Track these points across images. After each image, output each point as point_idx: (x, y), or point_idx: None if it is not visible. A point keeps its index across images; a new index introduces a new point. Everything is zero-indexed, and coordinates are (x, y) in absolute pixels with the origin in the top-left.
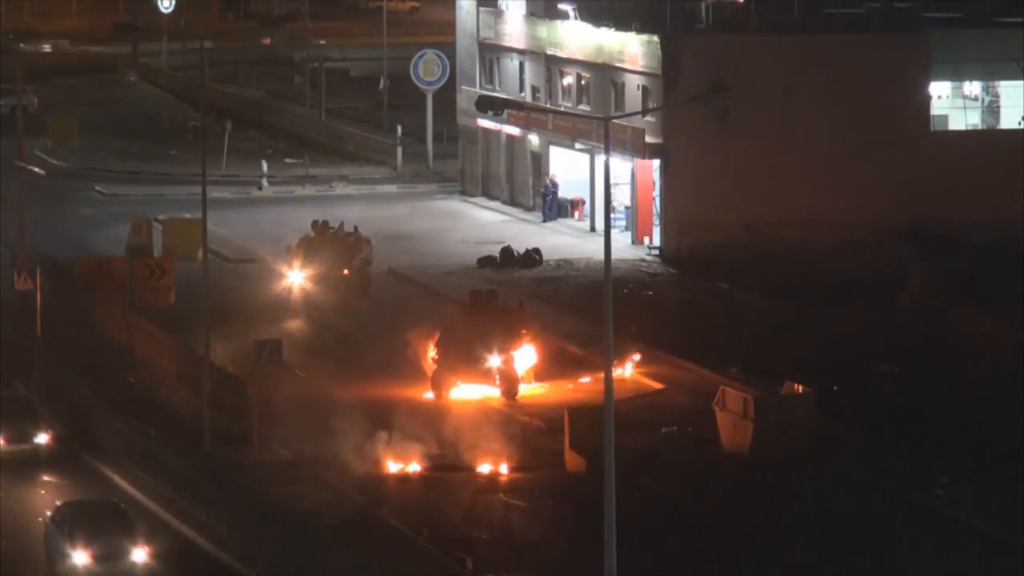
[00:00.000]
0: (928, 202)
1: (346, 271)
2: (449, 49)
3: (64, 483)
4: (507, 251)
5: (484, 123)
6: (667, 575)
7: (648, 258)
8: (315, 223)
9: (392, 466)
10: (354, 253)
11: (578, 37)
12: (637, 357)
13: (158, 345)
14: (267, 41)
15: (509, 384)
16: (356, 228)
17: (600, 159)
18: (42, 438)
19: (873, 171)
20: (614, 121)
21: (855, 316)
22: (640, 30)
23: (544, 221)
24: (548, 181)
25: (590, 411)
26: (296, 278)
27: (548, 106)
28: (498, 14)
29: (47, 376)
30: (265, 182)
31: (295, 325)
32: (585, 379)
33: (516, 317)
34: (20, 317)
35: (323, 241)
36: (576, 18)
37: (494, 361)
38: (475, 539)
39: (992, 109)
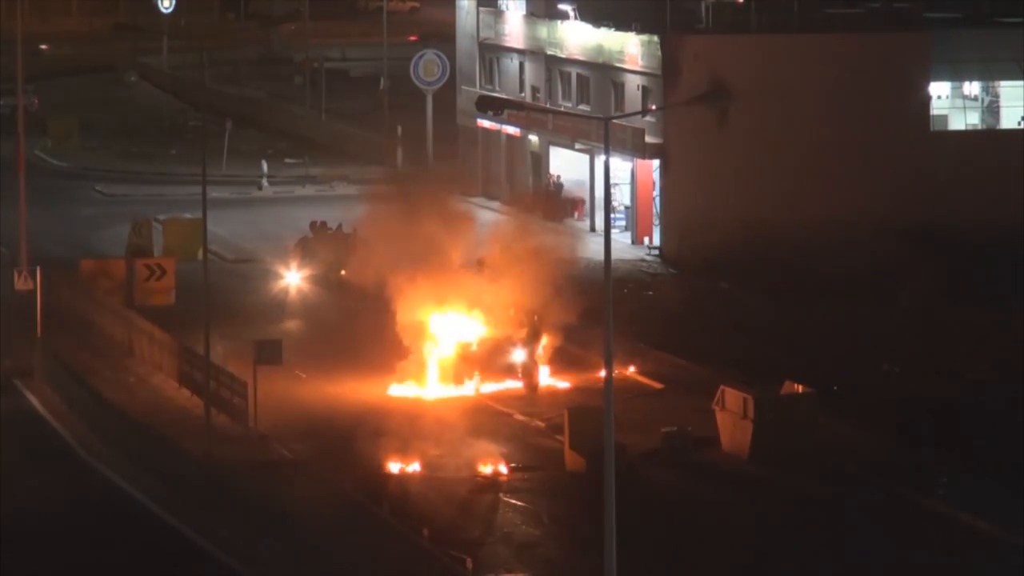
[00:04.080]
0: (928, 202)
1: (343, 272)
2: (448, 48)
3: None
4: (506, 251)
5: (484, 123)
6: (667, 575)
7: (648, 258)
8: (313, 224)
9: (392, 466)
10: (351, 254)
11: (578, 37)
12: (632, 369)
13: (158, 345)
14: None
15: (531, 379)
16: (355, 229)
17: (600, 159)
18: None
19: (873, 171)
20: (614, 121)
21: (855, 316)
22: (640, 30)
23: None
24: (553, 180)
25: (590, 411)
26: (293, 279)
27: (548, 106)
28: (498, 14)
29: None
30: (265, 182)
31: (292, 325)
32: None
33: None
34: (20, 317)
35: (321, 242)
36: (576, 18)
37: (518, 356)
38: (475, 539)
39: (992, 109)
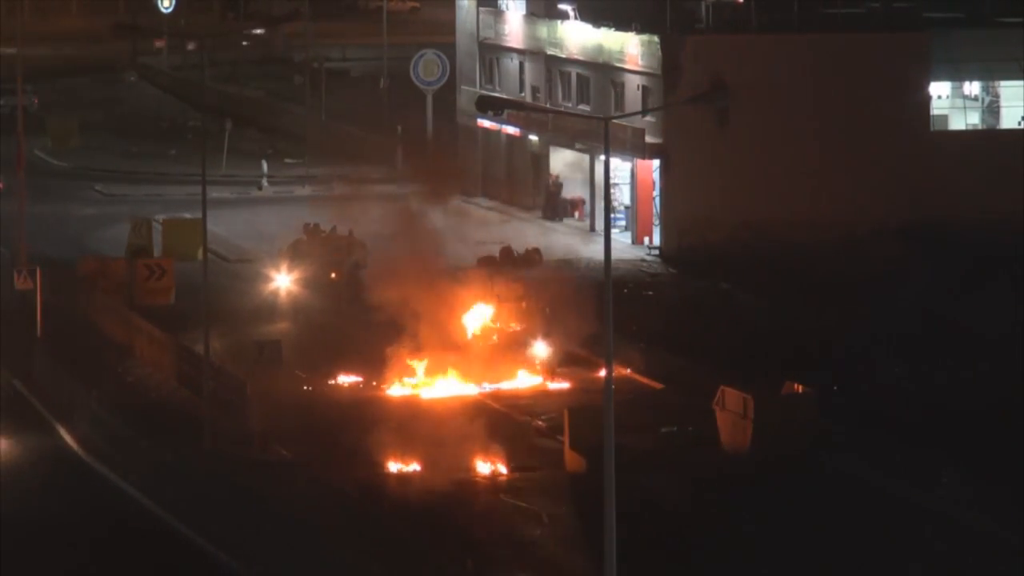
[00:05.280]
0: (928, 202)
1: (334, 275)
2: (449, 49)
3: None
4: (507, 251)
5: (484, 123)
6: (666, 575)
7: (648, 258)
8: (306, 226)
9: (391, 466)
10: (344, 256)
11: (578, 37)
12: (628, 370)
13: (158, 345)
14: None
15: (551, 371)
16: (351, 231)
17: (600, 159)
18: None
19: (873, 171)
20: (614, 121)
21: (855, 316)
22: (640, 30)
23: (551, 220)
24: (552, 181)
25: (590, 411)
26: (283, 281)
27: (548, 106)
28: (498, 14)
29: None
30: (265, 182)
31: (283, 327)
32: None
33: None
34: (20, 317)
35: (313, 244)
36: (576, 18)
37: (539, 349)
38: (475, 539)
39: (992, 109)
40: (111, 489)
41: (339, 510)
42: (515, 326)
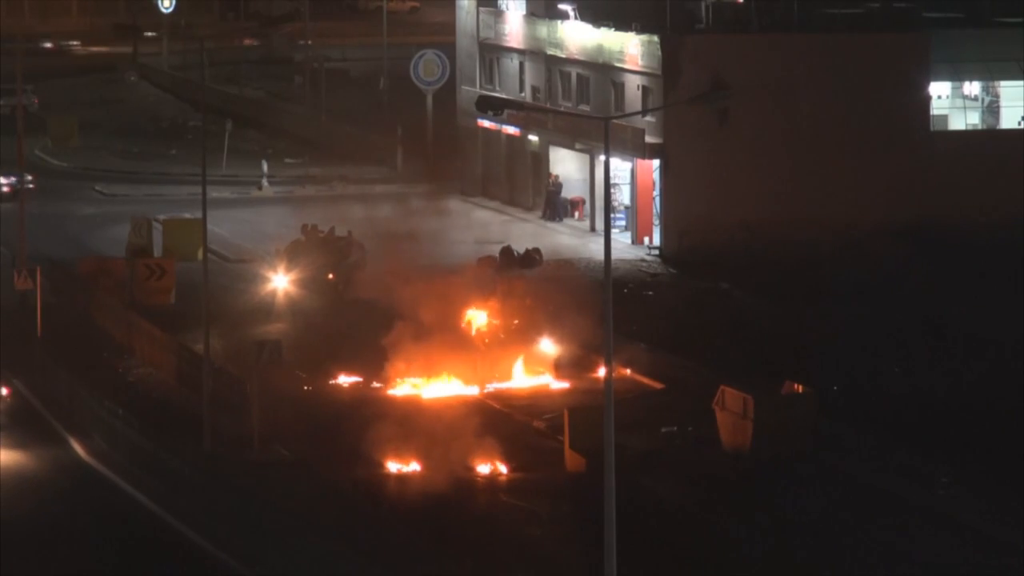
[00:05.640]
0: (928, 202)
1: (331, 275)
2: (449, 49)
3: None
4: (507, 251)
5: (484, 123)
6: (667, 575)
7: (648, 258)
8: (304, 227)
9: (391, 466)
10: (342, 257)
11: (578, 37)
12: (628, 371)
13: (158, 345)
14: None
15: (559, 368)
16: (350, 232)
17: (600, 159)
18: None
19: (873, 171)
20: (614, 121)
21: (855, 316)
22: (640, 30)
23: (551, 220)
24: (552, 181)
25: (590, 411)
26: (280, 282)
27: (548, 106)
28: (498, 14)
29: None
30: (265, 182)
31: (283, 327)
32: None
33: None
34: (20, 317)
35: (311, 245)
36: (576, 18)
37: (544, 347)
38: (475, 539)
39: (992, 109)
40: (111, 489)
41: (339, 510)
42: (515, 322)
